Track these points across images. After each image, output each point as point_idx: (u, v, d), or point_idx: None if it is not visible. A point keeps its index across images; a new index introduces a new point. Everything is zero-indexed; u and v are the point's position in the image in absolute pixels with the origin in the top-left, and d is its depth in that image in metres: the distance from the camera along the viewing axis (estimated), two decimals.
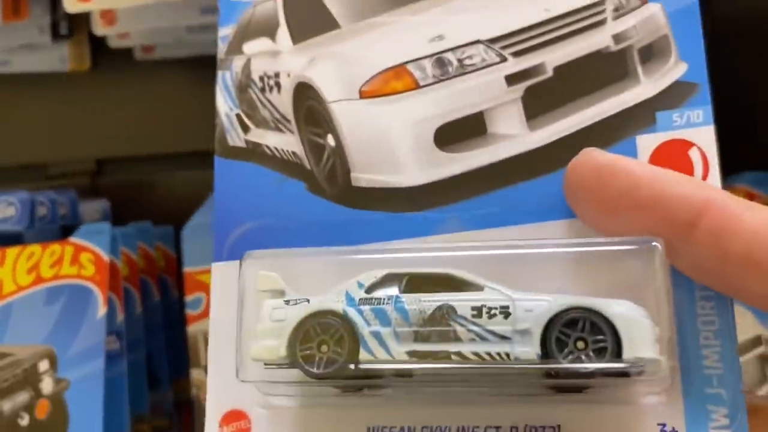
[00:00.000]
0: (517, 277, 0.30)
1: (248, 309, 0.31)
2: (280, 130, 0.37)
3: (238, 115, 0.38)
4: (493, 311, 0.29)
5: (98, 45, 0.77)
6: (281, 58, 0.37)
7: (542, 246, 0.31)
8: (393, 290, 0.30)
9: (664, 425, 0.30)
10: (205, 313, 0.67)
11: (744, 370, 0.34)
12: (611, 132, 0.32)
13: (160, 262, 0.71)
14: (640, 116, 0.32)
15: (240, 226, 0.35)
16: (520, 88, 0.33)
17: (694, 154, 0.31)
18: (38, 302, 0.59)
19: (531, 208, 0.32)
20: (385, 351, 0.29)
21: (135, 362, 0.62)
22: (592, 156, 0.30)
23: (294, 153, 0.36)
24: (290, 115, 0.37)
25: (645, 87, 0.33)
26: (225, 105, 0.38)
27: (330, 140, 0.35)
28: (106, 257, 0.60)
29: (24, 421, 0.56)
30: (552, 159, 0.32)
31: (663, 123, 0.32)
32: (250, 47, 0.38)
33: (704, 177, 0.31)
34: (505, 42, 0.34)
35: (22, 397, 0.56)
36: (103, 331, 0.57)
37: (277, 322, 0.30)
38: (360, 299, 0.30)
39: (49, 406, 0.56)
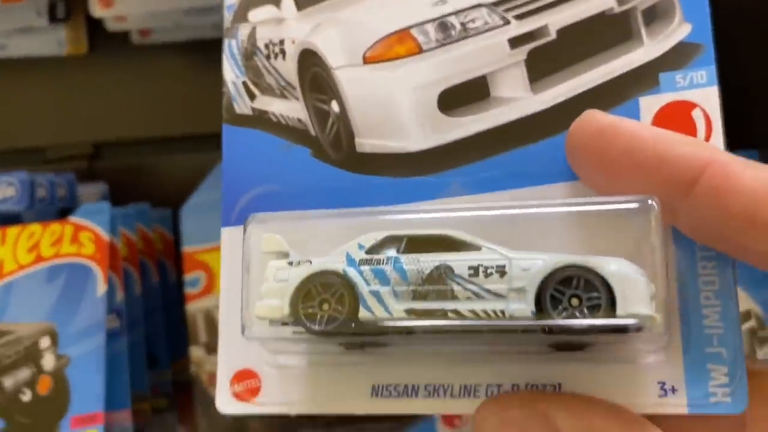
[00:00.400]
0: (515, 238, 0.30)
1: (253, 270, 0.32)
2: (286, 97, 0.37)
3: (244, 83, 0.38)
4: (489, 270, 0.29)
5: (95, 28, 0.77)
6: (286, 25, 0.37)
7: (539, 206, 0.31)
8: (392, 251, 0.31)
9: (663, 383, 0.30)
10: (204, 292, 0.67)
11: None
12: (614, 94, 0.32)
13: (158, 244, 0.71)
14: (644, 78, 0.32)
15: (248, 192, 0.35)
16: (523, 50, 0.34)
17: (697, 115, 0.31)
18: (39, 280, 0.59)
19: (534, 171, 0.32)
20: (384, 309, 0.29)
21: (134, 342, 0.63)
22: (595, 117, 0.30)
23: (299, 119, 0.36)
24: (295, 82, 0.37)
25: (648, 48, 0.33)
26: (231, 73, 0.38)
27: (334, 106, 0.35)
28: (105, 236, 0.60)
29: (26, 396, 0.56)
30: (555, 122, 0.32)
31: (666, 84, 0.32)
32: (255, 15, 0.38)
33: (707, 138, 0.31)
34: (508, 5, 0.34)
35: (24, 373, 0.56)
36: (103, 309, 0.57)
37: (281, 282, 0.31)
38: (360, 260, 0.30)
39: (51, 382, 0.56)
